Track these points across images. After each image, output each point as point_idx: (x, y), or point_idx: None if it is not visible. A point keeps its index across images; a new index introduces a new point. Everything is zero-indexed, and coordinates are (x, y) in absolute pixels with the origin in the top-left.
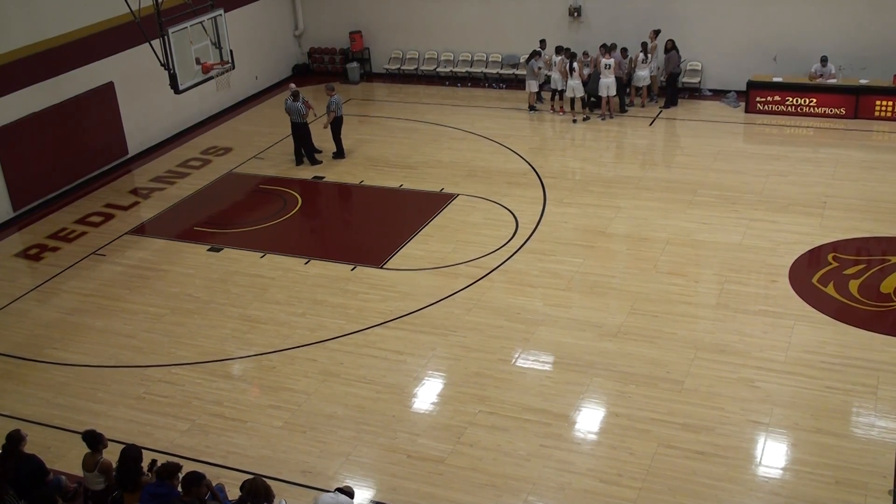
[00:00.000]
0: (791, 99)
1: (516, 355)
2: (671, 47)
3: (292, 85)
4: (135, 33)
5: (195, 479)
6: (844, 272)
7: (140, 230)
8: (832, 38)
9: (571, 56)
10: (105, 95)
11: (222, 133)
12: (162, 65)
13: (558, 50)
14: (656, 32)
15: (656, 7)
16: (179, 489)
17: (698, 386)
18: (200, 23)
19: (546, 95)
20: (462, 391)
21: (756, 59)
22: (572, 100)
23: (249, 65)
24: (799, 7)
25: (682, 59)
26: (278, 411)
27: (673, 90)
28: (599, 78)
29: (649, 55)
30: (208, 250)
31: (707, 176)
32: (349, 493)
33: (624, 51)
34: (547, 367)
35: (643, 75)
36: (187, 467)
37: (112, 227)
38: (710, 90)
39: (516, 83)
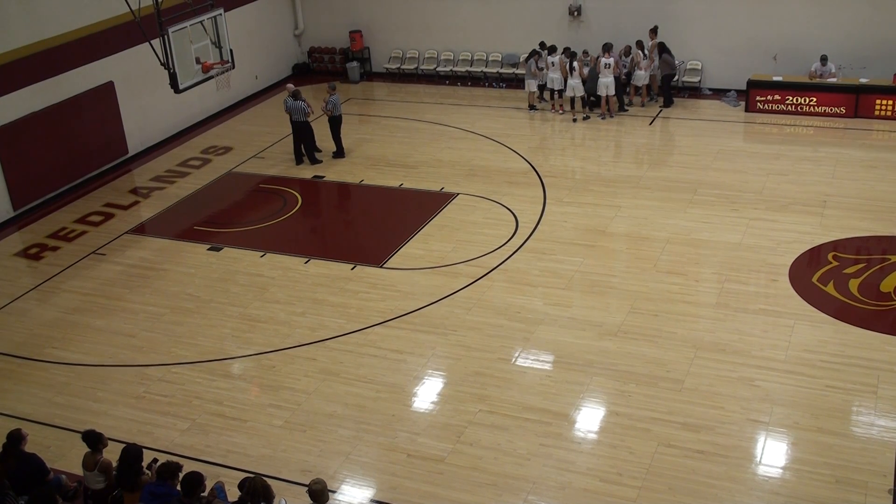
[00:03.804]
0: (791, 98)
1: (516, 354)
2: (662, 50)
3: (290, 85)
4: (135, 33)
5: (197, 480)
6: (844, 271)
7: (140, 229)
8: (832, 37)
9: (572, 55)
10: (105, 95)
11: (222, 132)
12: (162, 64)
13: (552, 50)
14: (654, 31)
15: (656, 6)
16: (179, 489)
17: (698, 385)
18: (200, 22)
19: (546, 95)
20: (462, 390)
21: (756, 58)
22: (572, 99)
23: (249, 64)
24: (799, 6)
25: (679, 62)
26: (278, 410)
27: (668, 91)
28: (598, 77)
29: (647, 53)
30: (208, 249)
31: (707, 175)
32: None
33: (627, 48)
34: (547, 367)
35: (642, 74)
36: (187, 467)
37: (112, 227)
38: (710, 89)
39: (516, 82)
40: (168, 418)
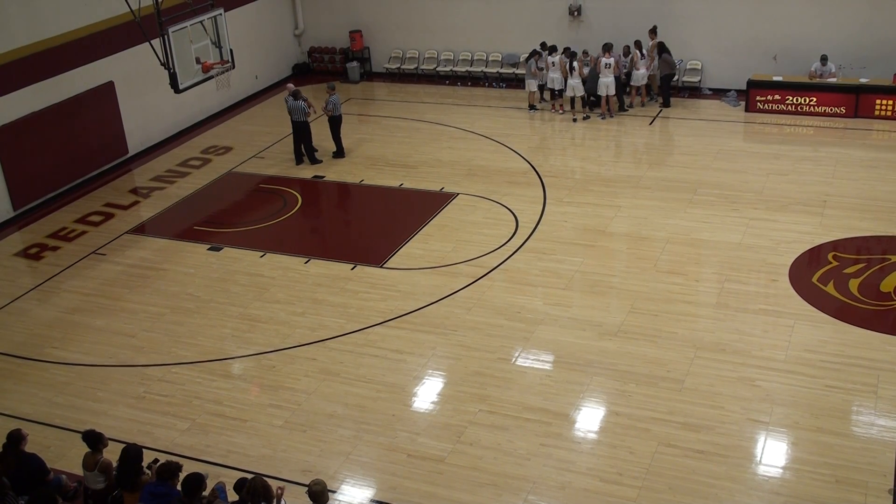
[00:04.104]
0: (791, 98)
1: (516, 354)
2: (662, 50)
3: (290, 85)
4: (135, 33)
5: (197, 482)
6: (844, 271)
7: (140, 229)
8: (832, 37)
9: (572, 55)
10: (105, 95)
11: (222, 132)
12: (162, 64)
13: (552, 50)
14: (654, 31)
15: (656, 6)
16: (179, 488)
17: (698, 385)
18: (200, 22)
19: (547, 95)
20: (462, 390)
21: (756, 58)
22: (572, 99)
23: (249, 64)
24: (799, 6)
25: (679, 61)
26: (278, 410)
27: (667, 91)
28: (599, 77)
29: (646, 53)
30: (208, 249)
31: (707, 175)
32: None
33: (626, 49)
34: (547, 367)
35: (641, 74)
36: (187, 467)
37: (112, 227)
38: (710, 89)
39: (516, 82)
40: (168, 418)
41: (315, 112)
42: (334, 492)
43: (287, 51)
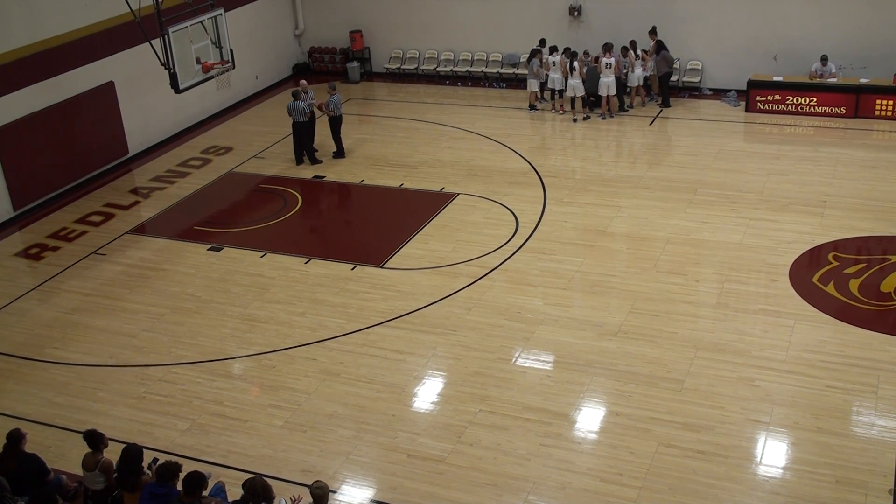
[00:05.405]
0: (791, 98)
1: (516, 354)
2: (660, 47)
3: (303, 82)
4: (135, 33)
5: (198, 480)
6: (845, 271)
7: (140, 229)
8: (832, 37)
9: (572, 55)
10: (105, 95)
11: (222, 133)
12: (162, 64)
13: (552, 50)
14: (654, 31)
15: (656, 6)
16: (179, 488)
17: (698, 385)
18: (200, 22)
19: (547, 95)
20: (462, 390)
21: (756, 58)
22: (573, 99)
23: (250, 64)
24: (799, 6)
25: (676, 59)
26: (278, 410)
27: (665, 91)
28: (599, 77)
29: (641, 53)
30: (208, 250)
31: (707, 175)
32: None
33: (624, 49)
34: (547, 367)
35: (637, 74)
36: (187, 466)
37: (112, 227)
38: (710, 89)
39: (516, 82)
40: (168, 418)
41: (317, 108)
42: (335, 492)
43: (287, 51)
